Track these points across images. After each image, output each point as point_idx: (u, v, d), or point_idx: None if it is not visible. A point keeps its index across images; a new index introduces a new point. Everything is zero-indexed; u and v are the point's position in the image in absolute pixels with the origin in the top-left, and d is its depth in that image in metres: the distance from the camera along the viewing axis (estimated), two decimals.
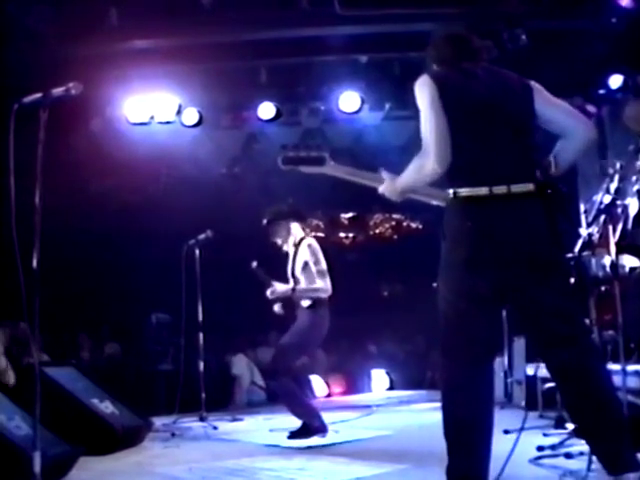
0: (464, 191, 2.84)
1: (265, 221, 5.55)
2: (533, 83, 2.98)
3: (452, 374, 2.89)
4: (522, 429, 3.16)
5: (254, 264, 5.65)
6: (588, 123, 3.05)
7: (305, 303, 5.30)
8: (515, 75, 3.01)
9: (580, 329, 2.90)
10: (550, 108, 2.94)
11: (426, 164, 2.83)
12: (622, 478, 2.65)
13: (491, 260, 2.81)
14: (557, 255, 2.89)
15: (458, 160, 2.82)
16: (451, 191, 2.89)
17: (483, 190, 2.80)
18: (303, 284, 5.34)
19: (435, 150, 2.79)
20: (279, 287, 5.43)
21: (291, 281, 5.42)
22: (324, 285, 5.31)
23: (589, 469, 3.07)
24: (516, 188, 2.80)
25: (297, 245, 5.45)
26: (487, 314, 2.90)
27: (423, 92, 2.87)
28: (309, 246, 5.38)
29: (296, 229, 5.54)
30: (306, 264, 5.34)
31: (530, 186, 2.83)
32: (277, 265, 5.58)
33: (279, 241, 5.56)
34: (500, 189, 2.79)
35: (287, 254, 5.54)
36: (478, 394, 2.84)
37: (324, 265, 5.37)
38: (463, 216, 2.86)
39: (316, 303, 5.29)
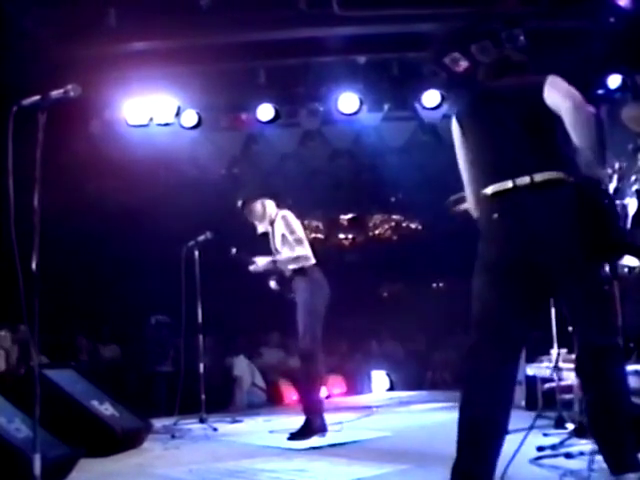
0: (490, 189, 2.95)
1: (240, 203, 5.61)
2: (549, 77, 2.96)
3: (475, 373, 2.88)
4: (532, 427, 3.17)
5: (233, 251, 5.73)
6: (568, 92, 2.92)
7: (296, 274, 5.36)
8: (531, 77, 3.07)
9: (602, 330, 2.85)
10: (550, 94, 2.94)
11: None
12: (623, 478, 2.66)
13: (518, 253, 2.84)
14: (586, 247, 2.83)
15: (482, 168, 3.02)
16: (482, 194, 2.99)
17: (508, 184, 2.89)
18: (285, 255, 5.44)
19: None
20: (260, 261, 5.51)
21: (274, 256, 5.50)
22: (303, 252, 5.39)
23: (590, 469, 3.07)
24: (540, 177, 2.84)
25: (273, 221, 5.52)
26: (514, 311, 2.88)
27: (453, 135, 3.19)
28: (283, 217, 5.46)
29: (270, 206, 5.60)
30: (284, 236, 5.42)
31: (554, 174, 2.85)
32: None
33: (256, 222, 5.62)
34: (523, 180, 2.85)
35: (266, 234, 5.60)
36: (499, 396, 2.83)
37: (301, 233, 5.46)
38: (490, 211, 2.94)
39: (304, 271, 5.36)
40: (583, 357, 2.84)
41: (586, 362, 2.82)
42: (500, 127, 2.99)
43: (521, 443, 3.01)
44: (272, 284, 5.59)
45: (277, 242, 5.48)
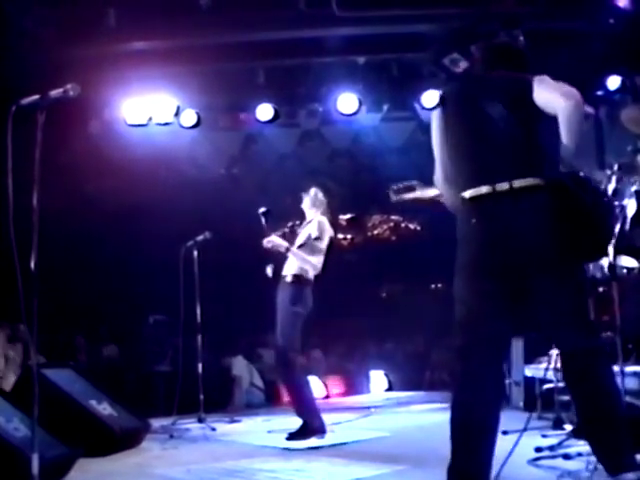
0: (468, 192, 2.94)
1: (311, 186, 5.66)
2: (537, 77, 2.93)
3: (464, 375, 2.89)
4: (525, 429, 3.17)
5: (263, 209, 5.68)
6: (568, 91, 2.85)
7: (288, 278, 5.38)
8: (520, 75, 3.02)
9: (585, 332, 2.86)
10: (541, 92, 2.89)
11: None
12: (621, 478, 2.66)
13: (498, 257, 2.85)
14: (565, 252, 2.83)
15: (461, 167, 3.00)
16: (459, 196, 2.99)
17: (485, 188, 2.88)
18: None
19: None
20: (275, 239, 5.51)
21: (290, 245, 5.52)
22: (315, 262, 5.41)
23: (588, 470, 3.07)
24: (518, 183, 2.83)
25: (310, 220, 5.56)
26: (498, 312, 2.89)
27: (432, 120, 3.21)
28: (320, 222, 5.50)
29: (319, 207, 5.62)
30: (309, 237, 5.44)
31: (533, 180, 2.84)
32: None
33: (305, 207, 5.65)
34: (502, 186, 2.85)
35: (294, 227, 5.70)
36: (488, 396, 2.84)
37: (324, 245, 5.47)
38: (468, 216, 2.94)
39: (299, 280, 5.36)
40: (569, 361, 2.85)
41: (573, 365, 2.82)
42: (483, 126, 2.95)
43: (514, 445, 3.00)
44: (268, 270, 5.60)
45: (300, 237, 5.51)
